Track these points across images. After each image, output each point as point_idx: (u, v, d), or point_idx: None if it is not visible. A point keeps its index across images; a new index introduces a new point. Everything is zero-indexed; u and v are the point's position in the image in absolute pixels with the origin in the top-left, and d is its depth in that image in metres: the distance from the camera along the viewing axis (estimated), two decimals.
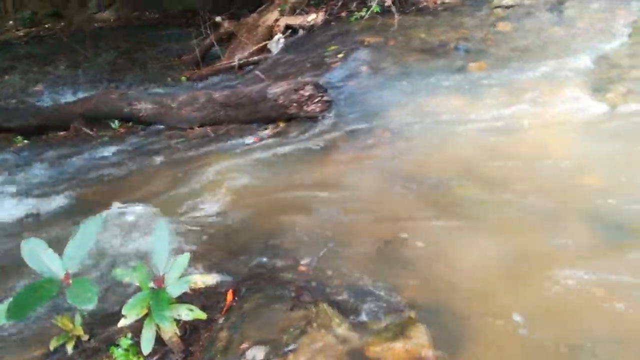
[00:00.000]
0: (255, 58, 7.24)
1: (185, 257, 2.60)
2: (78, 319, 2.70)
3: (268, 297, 2.95)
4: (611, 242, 3.00)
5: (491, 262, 3.01)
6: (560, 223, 3.22)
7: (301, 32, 7.74)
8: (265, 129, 5.08)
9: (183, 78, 7.30)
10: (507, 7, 7.03)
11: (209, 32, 7.88)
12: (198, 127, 5.33)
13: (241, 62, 7.13)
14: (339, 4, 7.98)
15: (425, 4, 7.76)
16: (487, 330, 2.64)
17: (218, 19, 8.06)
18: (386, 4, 7.59)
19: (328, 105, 5.07)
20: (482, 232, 3.25)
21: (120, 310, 2.36)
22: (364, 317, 2.78)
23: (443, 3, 7.79)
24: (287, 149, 4.69)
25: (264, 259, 3.29)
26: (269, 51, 7.43)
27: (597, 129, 4.12)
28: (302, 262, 3.23)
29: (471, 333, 2.65)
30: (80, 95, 7.14)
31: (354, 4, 7.98)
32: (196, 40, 7.82)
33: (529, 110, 4.51)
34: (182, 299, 2.87)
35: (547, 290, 2.77)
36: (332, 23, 7.72)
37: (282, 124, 5.12)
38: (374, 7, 7.50)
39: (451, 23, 7.00)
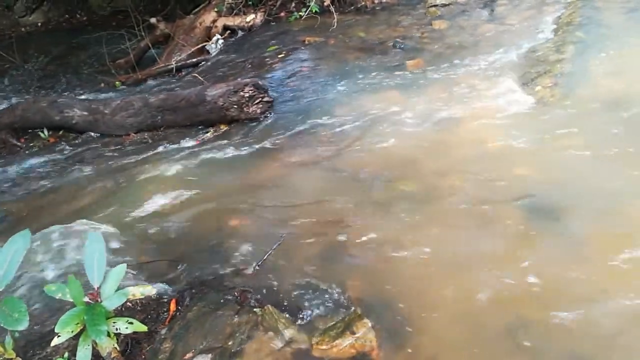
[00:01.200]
0: (194, 60, 7.07)
1: (122, 268, 2.48)
2: (9, 341, 2.51)
3: (213, 304, 2.88)
4: (543, 228, 3.14)
5: (431, 256, 3.07)
6: (495, 213, 3.34)
7: (240, 32, 7.64)
8: (207, 132, 4.96)
9: (118, 83, 7.01)
10: (442, 5, 7.25)
11: (143, 34, 7.62)
12: (135, 133, 5.13)
13: (179, 64, 6.94)
14: (278, 4, 7.95)
15: (363, 3, 7.86)
16: (428, 321, 2.69)
17: (153, 20, 7.81)
18: (325, 4, 7.63)
19: (269, 106, 5.02)
20: (421, 226, 3.32)
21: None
22: (310, 317, 2.77)
23: (380, 2, 7.93)
24: (228, 152, 4.61)
25: (208, 266, 3.21)
26: (207, 53, 7.28)
27: (527, 121, 4.30)
28: (247, 266, 3.18)
29: (414, 324, 2.69)
30: (7, 104, 6.70)
31: (293, 4, 7.97)
32: (130, 43, 7.54)
33: (464, 104, 4.65)
34: (122, 312, 2.75)
35: (484, 281, 2.87)
36: (272, 23, 7.68)
37: (223, 127, 5.02)
38: (313, 7, 7.52)
39: (389, 22, 7.14)
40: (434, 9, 7.24)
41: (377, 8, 7.75)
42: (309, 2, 7.70)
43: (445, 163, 3.90)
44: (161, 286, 3.06)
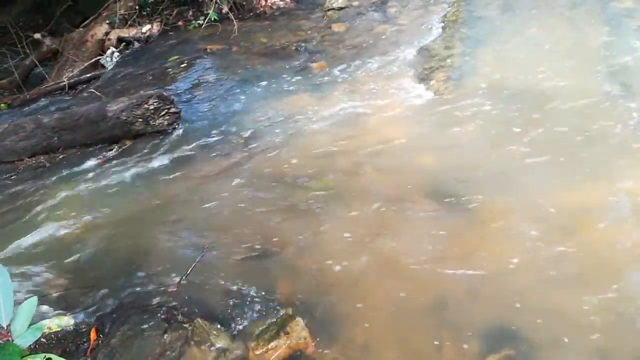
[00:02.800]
0: (88, 75, 6.65)
1: (32, 301, 2.27)
2: None
3: (138, 326, 2.76)
4: (448, 214, 3.39)
5: (353, 251, 3.18)
6: (405, 202, 3.54)
7: (137, 44, 7.33)
8: (110, 150, 4.70)
9: (3, 105, 6.41)
10: (339, 9, 7.51)
11: (28, 51, 7.04)
12: (29, 157, 4.73)
13: (72, 81, 6.49)
14: (174, 13, 7.74)
15: (261, 9, 7.91)
16: (357, 313, 2.79)
17: (37, 36, 7.23)
18: (223, 11, 7.57)
19: (177, 117, 4.88)
20: (342, 223, 3.42)
21: None
22: (242, 324, 2.75)
23: (279, 8, 8.03)
24: (136, 168, 4.40)
25: (127, 288, 3.06)
26: (102, 67, 6.90)
27: (427, 112, 4.61)
28: (171, 282, 3.08)
29: (344, 318, 2.78)
30: None
31: (190, 13, 7.82)
32: (13, 62, 6.93)
33: (368, 101, 4.87)
34: (37, 349, 2.54)
35: (404, 267, 3.04)
36: (170, 33, 7.46)
37: (128, 142, 4.79)
38: (211, 14, 7.43)
39: (289, 26, 7.25)
40: (331, 12, 7.48)
41: (276, 13, 7.84)
42: (206, 10, 7.59)
43: (358, 158, 4.06)
44: (78, 316, 2.87)
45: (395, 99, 4.88)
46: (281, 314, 2.77)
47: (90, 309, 2.89)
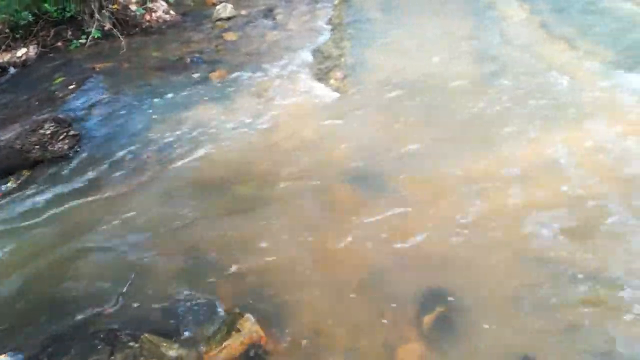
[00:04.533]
0: None
1: None
2: None
3: (79, 355, 2.65)
4: (370, 196, 3.67)
5: (287, 244, 3.33)
6: (327, 192, 3.76)
7: (12, 69, 6.76)
8: (7, 182, 4.34)
9: None
10: (227, 18, 7.56)
11: None
12: None
13: None
14: (51, 33, 7.24)
15: (147, 24, 7.69)
16: (302, 302, 2.95)
17: None
18: (106, 28, 7.25)
19: (77, 139, 4.64)
20: (271, 221, 3.54)
21: None
22: (192, 330, 2.77)
23: (165, 22, 7.86)
24: (39, 198, 4.12)
25: (60, 320, 2.91)
26: None
27: (330, 109, 4.88)
28: (106, 305, 2.98)
29: (291, 307, 2.92)
30: None
31: (69, 32, 7.36)
32: None
33: (274, 104, 5.03)
34: None
35: (335, 252, 3.25)
36: (50, 55, 6.97)
37: (26, 172, 4.45)
38: (94, 32, 7.08)
39: (180, 39, 7.15)
40: (220, 22, 7.51)
41: (164, 27, 7.68)
42: (87, 28, 7.22)
43: (275, 158, 4.20)
44: (8, 358, 2.67)
45: (299, 100, 5.09)
46: (229, 314, 2.83)
47: (23, 348, 2.71)
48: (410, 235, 3.22)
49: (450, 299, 2.83)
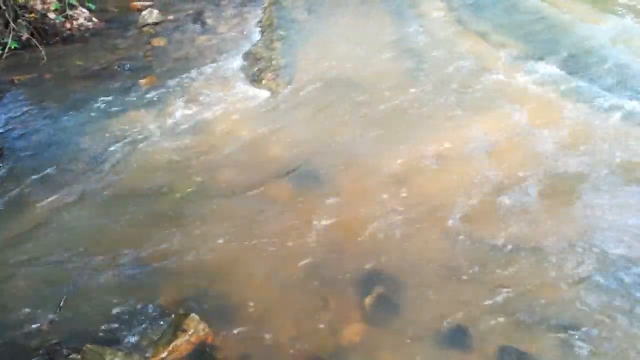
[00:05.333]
0: None
1: None
2: None
3: None
4: (307, 191, 3.79)
5: (225, 242, 3.38)
6: (265, 190, 3.84)
7: None
8: None
9: None
10: (154, 24, 7.41)
11: None
12: None
13: None
14: None
15: (68, 32, 7.39)
16: (245, 297, 3.01)
17: None
18: (24, 38, 6.90)
19: None
20: (209, 224, 3.56)
21: None
22: (137, 335, 2.76)
23: (87, 29, 7.59)
24: None
25: None
26: None
27: (266, 109, 4.96)
28: (44, 321, 2.89)
29: (235, 303, 2.98)
30: None
31: None
32: None
33: (208, 107, 5.03)
34: None
35: (276, 251, 3.34)
36: None
37: None
38: (11, 43, 6.72)
39: (105, 47, 6.94)
40: (147, 28, 7.36)
41: (87, 35, 7.41)
42: (3, 38, 6.84)
43: (212, 159, 4.22)
44: None
45: (233, 102, 5.12)
46: (173, 316, 2.83)
47: None
48: (347, 224, 3.37)
49: (387, 279, 2.99)
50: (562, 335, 2.58)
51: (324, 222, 3.42)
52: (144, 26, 7.40)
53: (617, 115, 4.30)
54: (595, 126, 4.19)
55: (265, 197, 3.77)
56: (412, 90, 4.90)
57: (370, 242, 3.25)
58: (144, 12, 7.61)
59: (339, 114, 4.68)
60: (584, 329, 2.60)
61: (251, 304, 2.96)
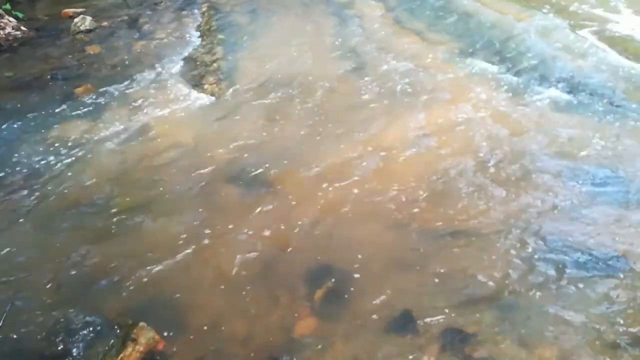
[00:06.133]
0: None
1: None
2: None
3: None
4: (252, 193, 3.80)
5: (172, 249, 3.34)
6: (210, 193, 3.83)
7: None
8: None
9: None
10: (87, 31, 7.19)
11: None
12: None
13: None
14: None
15: None
16: (195, 302, 2.99)
17: None
18: None
19: None
20: (152, 232, 3.52)
21: None
22: (83, 350, 2.69)
23: (16, 39, 7.25)
24: None
25: None
26: None
27: (208, 114, 4.92)
28: None
29: (185, 309, 2.95)
30: None
31: None
32: None
33: (149, 114, 4.94)
34: None
35: (224, 251, 3.34)
36: None
37: None
38: None
39: (36, 56, 6.65)
40: (80, 35, 7.12)
41: (15, 44, 7.07)
42: None
43: (153, 168, 4.15)
44: None
45: (174, 108, 5.06)
46: (122, 326, 2.78)
47: None
48: (294, 222, 3.42)
49: (336, 273, 3.07)
50: (500, 313, 2.74)
51: (271, 222, 3.45)
52: (77, 34, 7.16)
53: (544, 103, 4.59)
54: (524, 115, 4.44)
55: (210, 202, 3.75)
56: (353, 88, 5.03)
57: (318, 238, 3.31)
58: (76, 19, 7.36)
59: (281, 115, 4.73)
60: (520, 307, 2.77)
61: (201, 308, 2.95)
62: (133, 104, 5.18)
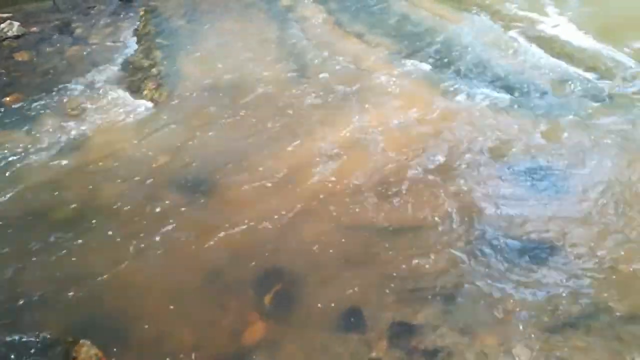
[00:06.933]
0: None
1: None
2: None
3: None
4: (195, 200, 3.74)
5: (115, 260, 3.23)
6: (153, 203, 3.72)
7: None
8: None
9: None
10: (16, 37, 6.80)
11: None
12: None
13: None
14: None
15: None
16: (141, 315, 2.90)
17: None
18: None
19: None
20: (93, 244, 3.39)
21: None
22: None
23: None
24: None
25: None
26: None
27: (149, 120, 4.78)
28: None
29: (130, 323, 2.86)
30: None
31: None
32: None
33: (86, 122, 4.73)
34: None
35: (172, 260, 3.26)
36: None
37: None
38: None
39: None
40: (8, 42, 6.72)
41: None
42: None
43: (92, 177, 3.99)
44: None
45: (112, 115, 4.88)
46: (62, 344, 2.66)
47: None
48: (239, 228, 3.40)
49: (284, 276, 3.07)
50: (444, 304, 2.83)
51: (215, 228, 3.40)
52: (3, 40, 6.76)
53: (479, 102, 4.79)
54: (462, 114, 4.62)
55: (150, 211, 3.65)
56: (297, 91, 5.04)
57: (265, 241, 3.30)
58: (2, 25, 6.94)
59: (223, 120, 4.67)
60: (463, 297, 2.88)
61: (146, 321, 2.86)
62: (67, 111, 4.95)
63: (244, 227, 3.41)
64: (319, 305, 2.89)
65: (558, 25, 6.29)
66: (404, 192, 3.67)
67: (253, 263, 3.15)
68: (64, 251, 3.33)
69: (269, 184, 3.78)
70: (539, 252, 3.17)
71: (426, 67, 5.48)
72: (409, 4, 7.13)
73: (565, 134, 4.25)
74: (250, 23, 6.85)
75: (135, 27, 7.03)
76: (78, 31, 7.06)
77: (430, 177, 3.84)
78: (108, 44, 6.63)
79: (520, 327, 2.68)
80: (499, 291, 2.92)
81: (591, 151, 4.01)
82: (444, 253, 3.17)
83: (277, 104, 4.84)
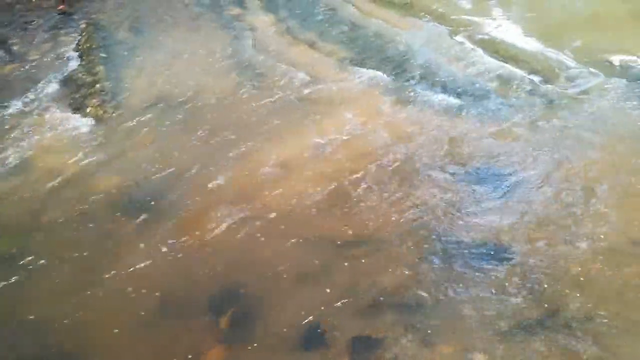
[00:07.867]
0: None
1: None
2: None
3: None
4: (146, 220, 3.58)
5: (59, 296, 3.05)
6: (98, 226, 3.55)
7: None
8: None
9: None
10: None
11: None
12: None
13: None
14: None
15: None
16: (95, 351, 2.74)
17: None
18: None
19: None
20: (34, 274, 3.19)
21: None
22: None
23: None
24: None
25: None
26: None
27: (92, 138, 4.56)
28: None
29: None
30: None
31: None
32: None
33: (24, 143, 4.47)
34: None
35: (122, 287, 3.09)
36: None
37: None
38: None
39: None
40: None
41: None
42: None
43: (31, 202, 3.78)
44: None
45: (52, 134, 4.64)
46: None
47: None
48: (191, 249, 3.27)
49: (241, 297, 2.96)
50: (403, 315, 2.80)
51: (165, 251, 3.26)
52: None
53: (431, 107, 4.83)
54: (413, 119, 4.64)
55: (97, 234, 3.47)
56: (249, 102, 4.94)
57: (219, 263, 3.18)
58: None
59: (173, 135, 4.52)
60: (422, 307, 2.86)
61: (99, 355, 2.69)
62: (5, 133, 4.66)
63: (194, 247, 3.27)
64: (279, 323, 2.81)
65: (504, 28, 6.47)
66: (359, 203, 3.63)
67: (207, 285, 3.04)
68: (3, 285, 3.10)
69: (219, 201, 3.65)
70: (492, 255, 3.20)
71: (378, 73, 5.49)
72: (358, 12, 7.16)
73: (514, 136, 4.34)
74: (199, 34, 6.69)
75: (77, 41, 6.73)
76: (15, 47, 6.69)
77: (384, 187, 3.82)
78: (48, 60, 6.32)
79: (477, 335, 2.67)
80: (456, 299, 2.92)
81: (539, 151, 4.10)
82: (401, 263, 3.15)
83: (229, 117, 4.72)
